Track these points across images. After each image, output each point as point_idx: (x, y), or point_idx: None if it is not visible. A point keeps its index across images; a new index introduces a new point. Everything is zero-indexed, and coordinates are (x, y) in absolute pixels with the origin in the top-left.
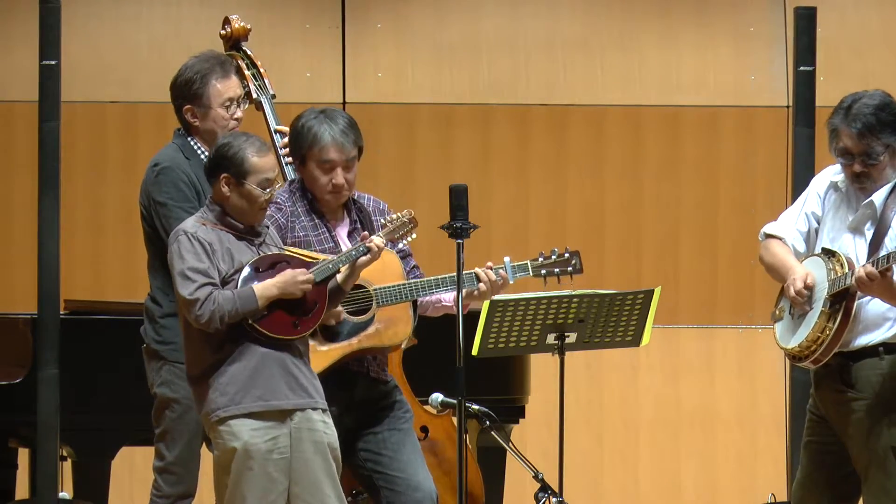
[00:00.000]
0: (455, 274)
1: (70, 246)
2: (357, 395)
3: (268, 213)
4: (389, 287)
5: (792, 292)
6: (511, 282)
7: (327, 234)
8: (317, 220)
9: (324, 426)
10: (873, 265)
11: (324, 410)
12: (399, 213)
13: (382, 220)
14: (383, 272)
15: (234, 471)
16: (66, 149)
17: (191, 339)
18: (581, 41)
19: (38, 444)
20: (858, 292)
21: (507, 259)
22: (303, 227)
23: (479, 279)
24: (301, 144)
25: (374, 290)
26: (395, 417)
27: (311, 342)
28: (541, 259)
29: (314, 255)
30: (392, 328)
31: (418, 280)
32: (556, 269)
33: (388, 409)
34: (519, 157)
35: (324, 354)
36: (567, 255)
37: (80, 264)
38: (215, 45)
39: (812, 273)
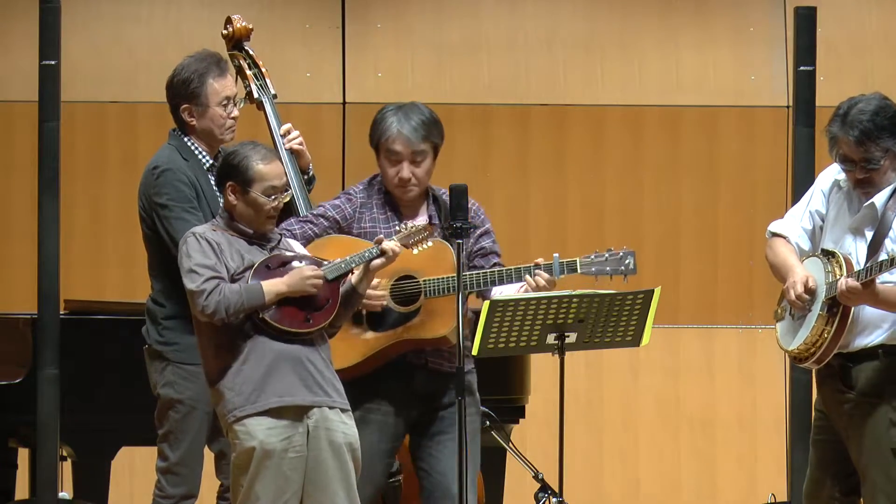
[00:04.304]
0: (513, 268)
1: (70, 246)
2: (417, 389)
3: (335, 202)
4: (438, 279)
5: (792, 296)
6: (556, 278)
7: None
8: (389, 213)
9: (342, 426)
10: (856, 278)
11: (343, 410)
12: (416, 221)
13: (398, 226)
14: (436, 264)
15: (251, 469)
16: (66, 149)
17: (206, 341)
18: (581, 41)
19: (38, 444)
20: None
21: (556, 255)
22: (373, 218)
23: (527, 283)
24: (374, 135)
25: (424, 281)
26: (448, 419)
27: (356, 330)
28: (592, 257)
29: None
30: (434, 321)
31: (467, 273)
32: (608, 269)
33: (448, 408)
34: (519, 157)
35: (365, 342)
36: (621, 254)
37: (80, 264)
38: (215, 46)
39: (812, 276)
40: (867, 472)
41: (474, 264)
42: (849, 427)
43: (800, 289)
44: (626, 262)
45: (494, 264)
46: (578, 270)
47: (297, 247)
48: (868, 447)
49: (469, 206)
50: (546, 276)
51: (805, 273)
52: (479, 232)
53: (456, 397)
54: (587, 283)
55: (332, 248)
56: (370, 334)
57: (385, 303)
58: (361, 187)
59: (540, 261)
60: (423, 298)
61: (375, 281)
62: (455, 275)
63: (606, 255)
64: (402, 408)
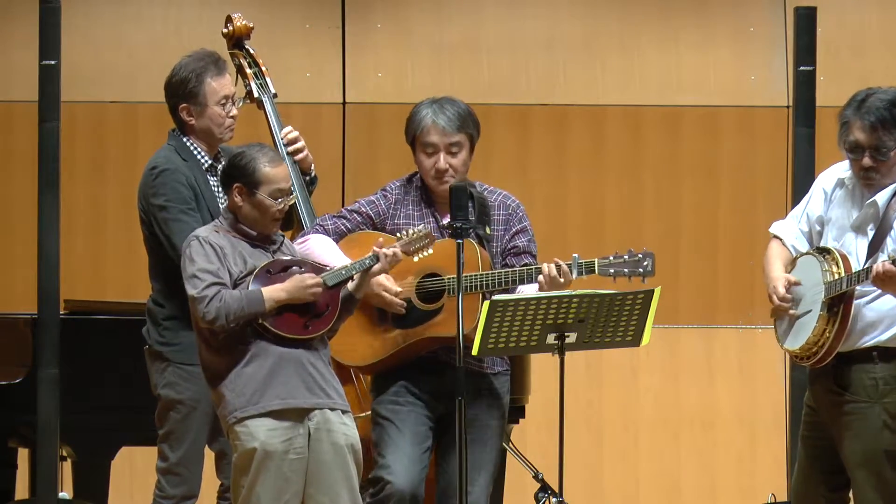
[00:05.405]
0: (518, 269)
1: (70, 246)
2: (446, 385)
3: (370, 198)
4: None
5: (775, 301)
6: (573, 278)
7: (434, 225)
8: (425, 210)
9: (343, 427)
10: (893, 263)
11: (344, 412)
12: (418, 228)
13: (399, 234)
14: (465, 263)
15: (252, 470)
16: (66, 149)
17: (207, 344)
18: (581, 41)
19: (38, 444)
20: (854, 295)
21: (575, 255)
22: (407, 214)
23: (540, 272)
24: (409, 130)
25: (448, 279)
26: (468, 419)
27: (381, 327)
28: (611, 258)
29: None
30: (455, 318)
31: (490, 272)
32: (626, 270)
33: (469, 408)
34: (519, 157)
35: (390, 340)
36: (640, 256)
37: (80, 264)
38: (215, 46)
39: (790, 278)
40: (858, 473)
41: (506, 262)
42: (840, 427)
43: (781, 291)
44: (645, 264)
45: (525, 265)
46: (597, 271)
47: (323, 245)
48: (860, 448)
49: (509, 203)
50: (565, 268)
51: (782, 278)
52: (514, 230)
53: (456, 397)
54: (588, 282)
55: (364, 244)
56: (395, 332)
57: (404, 305)
58: (399, 184)
59: (558, 261)
60: (446, 296)
61: (400, 279)
62: (482, 272)
63: (625, 257)
64: (431, 403)
